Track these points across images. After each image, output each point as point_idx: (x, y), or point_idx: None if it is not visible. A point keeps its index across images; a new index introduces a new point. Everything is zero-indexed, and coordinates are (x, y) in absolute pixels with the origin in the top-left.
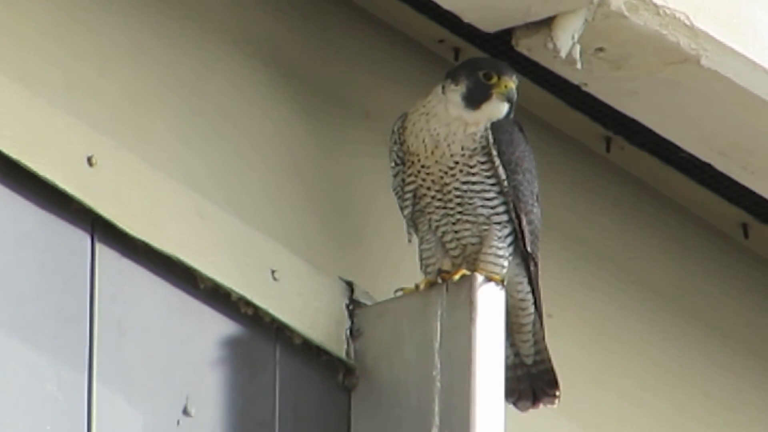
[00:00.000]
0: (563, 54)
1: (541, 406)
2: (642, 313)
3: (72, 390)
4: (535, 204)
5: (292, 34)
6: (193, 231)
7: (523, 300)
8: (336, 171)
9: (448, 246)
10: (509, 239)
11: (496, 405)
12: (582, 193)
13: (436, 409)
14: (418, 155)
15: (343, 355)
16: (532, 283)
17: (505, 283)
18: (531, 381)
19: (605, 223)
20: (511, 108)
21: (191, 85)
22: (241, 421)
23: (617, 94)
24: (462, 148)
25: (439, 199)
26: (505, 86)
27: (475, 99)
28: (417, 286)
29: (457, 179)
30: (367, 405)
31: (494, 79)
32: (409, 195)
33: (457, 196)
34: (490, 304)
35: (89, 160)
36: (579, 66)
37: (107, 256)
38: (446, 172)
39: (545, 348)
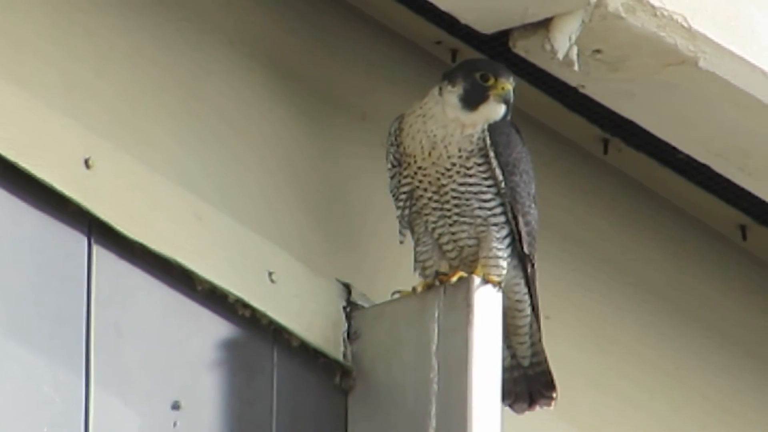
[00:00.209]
0: (560, 55)
1: (537, 408)
2: (639, 314)
3: (69, 392)
4: (532, 205)
5: (289, 35)
6: (190, 233)
7: (520, 302)
8: (333, 173)
9: (445, 248)
10: (507, 241)
11: (493, 407)
12: (579, 195)
13: (433, 411)
14: (414, 157)
15: (340, 357)
16: (529, 284)
17: (502, 285)
18: (528, 383)
19: (603, 225)
20: (508, 109)
21: (188, 86)
22: (239, 423)
23: (614, 96)
24: (459, 150)
25: (436, 201)
26: (502, 88)
27: (472, 100)
28: (414, 289)
29: (454, 181)
30: (364, 407)
31: (491, 81)
32: (404, 196)
33: (454, 198)
34: (487, 306)
35: (86, 161)
36: (576, 67)
37: (104, 258)
38: (443, 174)
39: (542, 350)
